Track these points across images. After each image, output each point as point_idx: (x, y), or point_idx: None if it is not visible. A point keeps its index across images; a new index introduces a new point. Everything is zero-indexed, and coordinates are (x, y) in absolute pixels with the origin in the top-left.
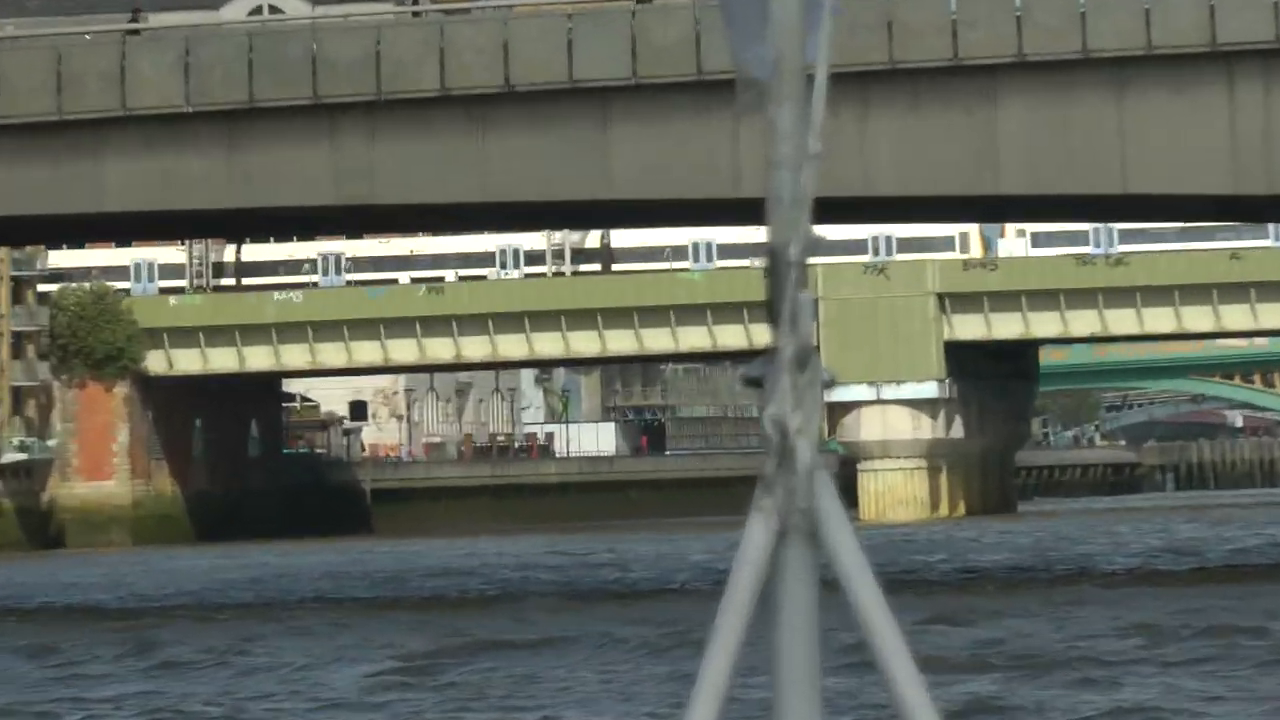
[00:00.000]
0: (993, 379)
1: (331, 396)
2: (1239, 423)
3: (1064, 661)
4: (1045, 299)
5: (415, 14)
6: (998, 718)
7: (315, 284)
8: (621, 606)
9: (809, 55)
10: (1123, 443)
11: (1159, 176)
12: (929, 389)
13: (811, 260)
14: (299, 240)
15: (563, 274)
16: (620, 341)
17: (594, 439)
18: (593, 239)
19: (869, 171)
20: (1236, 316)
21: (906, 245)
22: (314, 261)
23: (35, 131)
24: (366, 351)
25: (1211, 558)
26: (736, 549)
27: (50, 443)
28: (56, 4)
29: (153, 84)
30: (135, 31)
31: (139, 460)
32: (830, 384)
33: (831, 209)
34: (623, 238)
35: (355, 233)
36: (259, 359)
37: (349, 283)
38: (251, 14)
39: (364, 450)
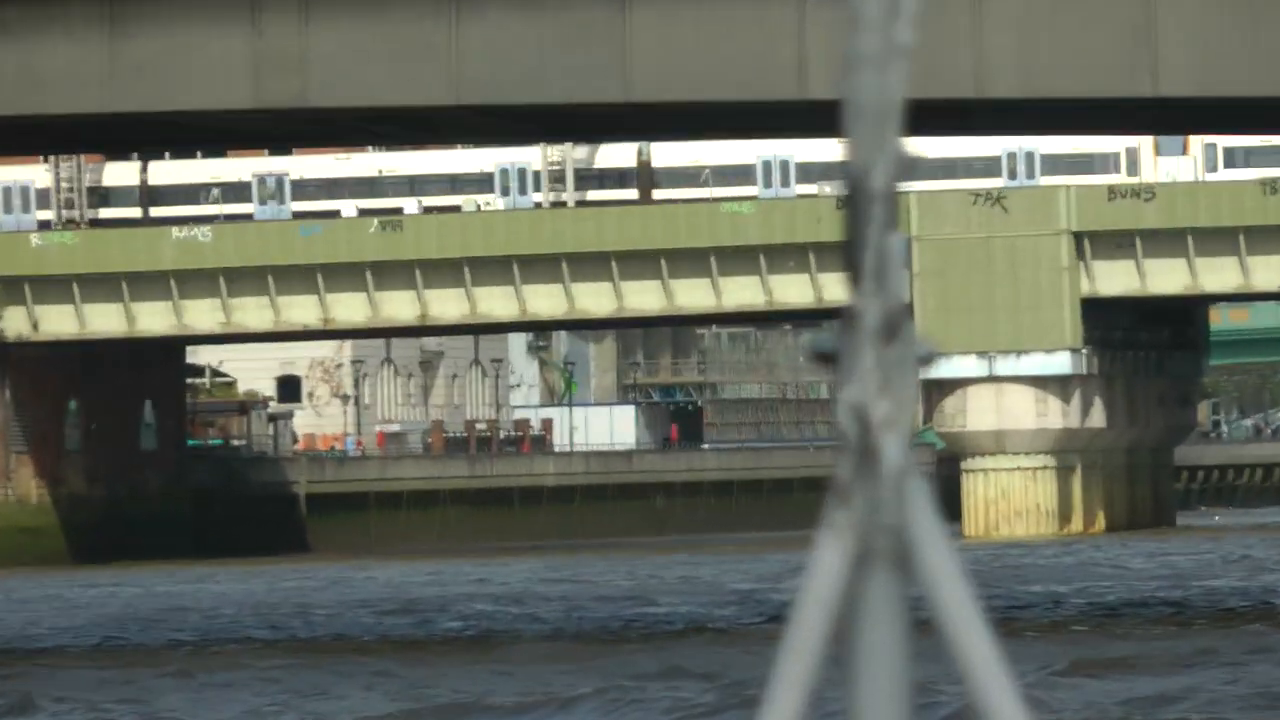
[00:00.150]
0: (1147, 349)
1: (253, 370)
2: None
3: None
4: (1220, 240)
5: None
6: None
7: (250, 216)
8: (643, 653)
9: None
10: None
11: None
12: (1060, 362)
13: (904, 187)
14: (228, 156)
15: (564, 204)
16: (643, 297)
17: (607, 428)
18: (610, 156)
19: (983, 66)
20: None
21: (1051, 165)
22: (242, 185)
23: None
24: (299, 309)
25: None
26: (801, 577)
27: None
28: None
29: None
30: None
31: None
32: (929, 360)
33: (932, 117)
34: (664, 155)
35: (284, 146)
36: (154, 319)
37: (296, 215)
38: None
39: (296, 442)
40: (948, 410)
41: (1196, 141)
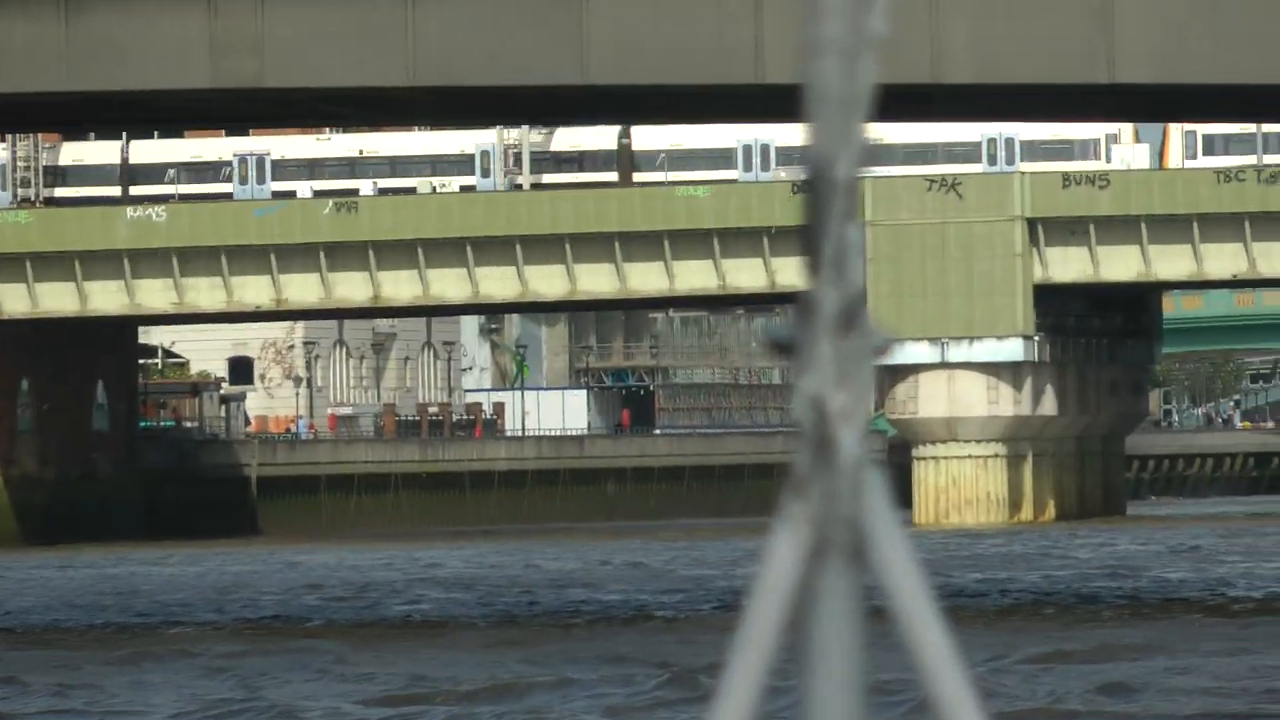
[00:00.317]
0: (1099, 336)
1: (205, 350)
2: None
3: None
4: (1174, 228)
5: None
6: None
7: (229, 196)
8: (592, 639)
9: None
10: (1271, 425)
11: None
12: (1012, 349)
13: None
14: (207, 136)
15: (520, 186)
16: (595, 279)
17: (559, 412)
18: (569, 138)
19: (939, 51)
20: None
21: (1030, 151)
22: (219, 166)
23: None
24: (252, 289)
25: None
26: (753, 563)
27: None
28: None
29: None
30: None
31: None
32: (886, 350)
33: (888, 103)
34: (644, 138)
35: (239, 126)
36: (106, 298)
37: (275, 195)
38: None
39: (249, 424)
40: (899, 397)
41: (1176, 129)
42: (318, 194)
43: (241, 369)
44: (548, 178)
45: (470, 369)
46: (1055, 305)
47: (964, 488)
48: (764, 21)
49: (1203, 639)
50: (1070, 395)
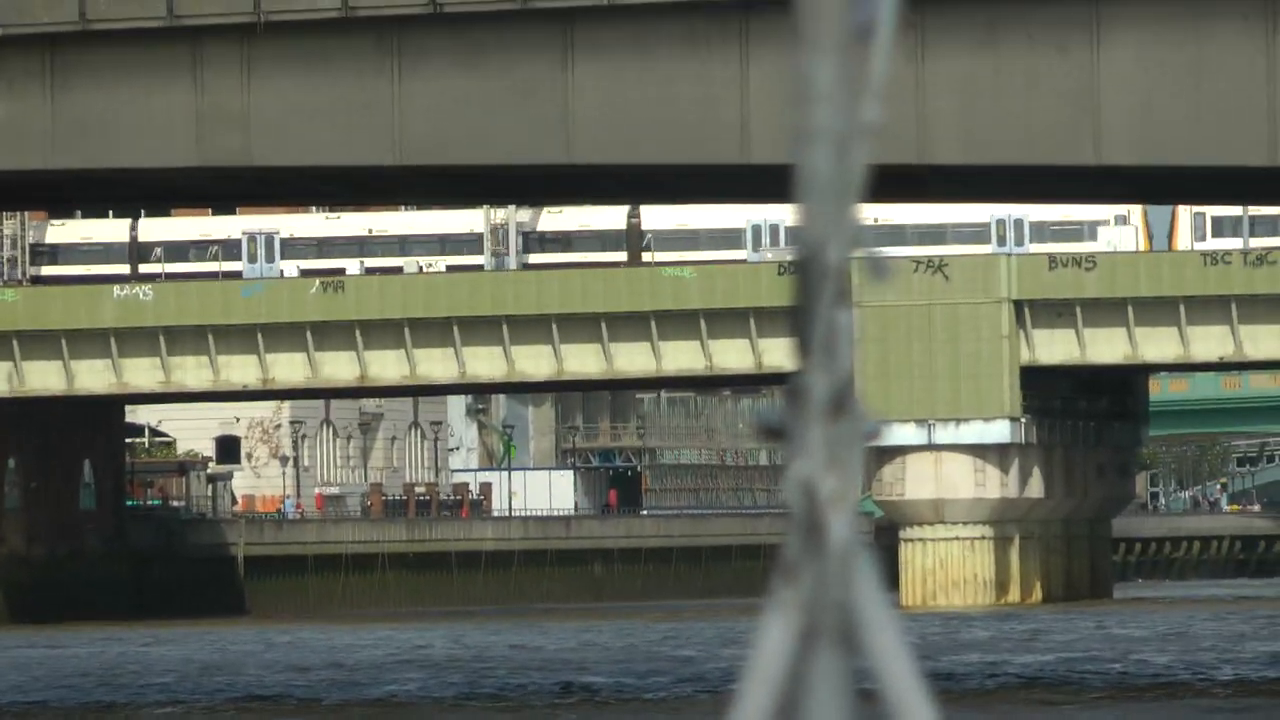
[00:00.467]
0: (1086, 419)
1: (192, 430)
2: None
3: None
4: (1160, 310)
5: None
6: None
7: (239, 274)
8: None
9: None
10: (1257, 508)
11: None
12: (999, 431)
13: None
14: (213, 214)
15: (490, 269)
16: (582, 360)
17: (545, 492)
18: (578, 218)
19: (925, 132)
20: None
21: (1039, 233)
22: (224, 245)
23: None
24: (239, 369)
25: None
26: (742, 645)
27: None
28: None
29: None
30: None
31: None
32: (875, 434)
33: (874, 183)
34: (654, 218)
35: (226, 205)
36: (93, 377)
37: (285, 274)
38: None
39: (236, 504)
40: (886, 478)
41: (1185, 211)
42: (322, 272)
43: (228, 448)
44: (536, 258)
45: (457, 449)
46: (1042, 387)
47: (951, 570)
48: (750, 101)
49: None
50: (1057, 477)
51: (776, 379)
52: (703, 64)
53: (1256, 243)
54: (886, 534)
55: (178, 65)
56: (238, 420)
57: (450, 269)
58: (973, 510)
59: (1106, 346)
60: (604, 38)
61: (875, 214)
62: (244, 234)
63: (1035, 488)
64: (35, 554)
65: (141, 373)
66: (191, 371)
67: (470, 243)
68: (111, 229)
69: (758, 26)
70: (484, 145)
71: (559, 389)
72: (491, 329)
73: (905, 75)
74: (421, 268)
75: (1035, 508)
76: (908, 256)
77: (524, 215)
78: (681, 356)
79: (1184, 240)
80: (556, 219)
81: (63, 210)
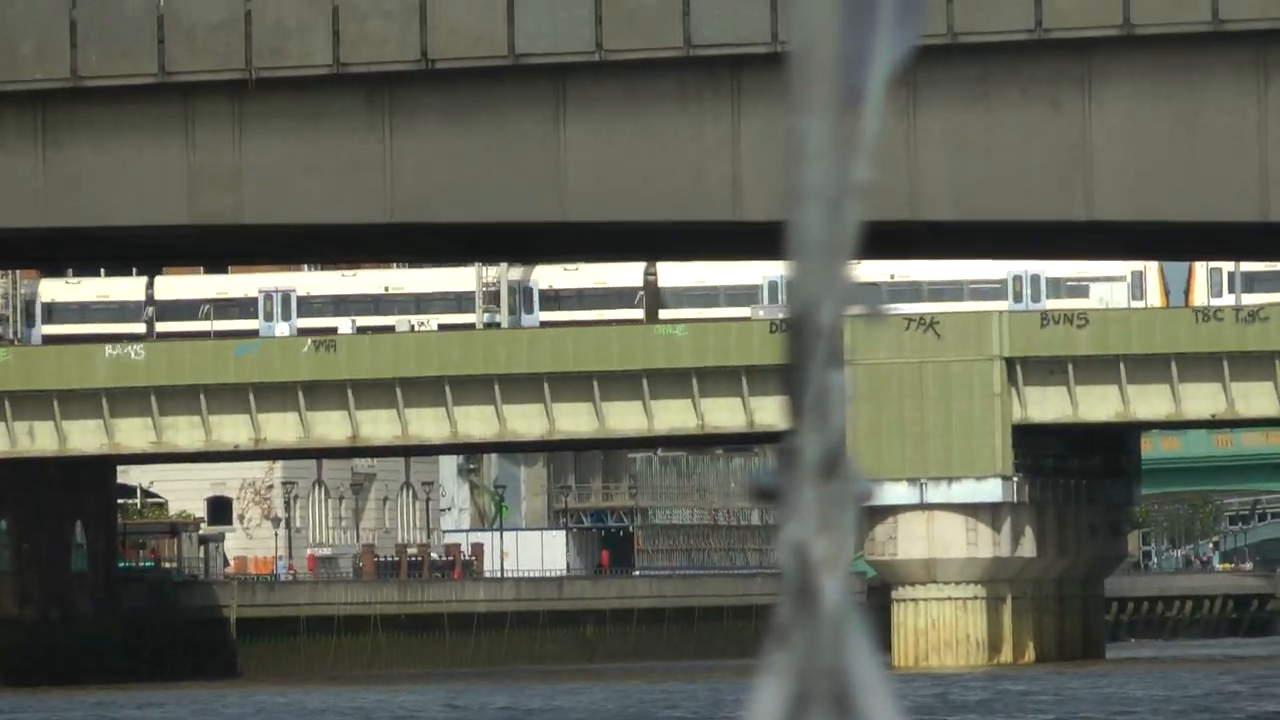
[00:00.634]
0: (1078, 477)
1: (184, 491)
2: None
3: None
4: (1152, 368)
5: None
6: None
7: (256, 332)
8: None
9: (853, 44)
10: (1250, 566)
11: None
12: (991, 490)
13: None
14: (230, 272)
15: (497, 325)
16: (574, 419)
17: (538, 553)
18: (569, 278)
19: (916, 188)
20: None
21: (1055, 289)
22: (229, 304)
23: None
24: (230, 429)
25: None
26: (736, 706)
27: None
28: None
29: None
30: None
31: None
32: (868, 496)
33: (866, 240)
34: (670, 275)
35: (217, 264)
36: (85, 438)
37: (301, 332)
38: None
39: (228, 565)
40: (878, 538)
41: (1201, 267)
42: (360, 330)
43: (220, 509)
44: (548, 315)
45: (449, 509)
46: (1034, 445)
47: (943, 630)
48: (742, 159)
49: None
50: (1049, 536)
51: (769, 438)
52: (695, 121)
53: (1258, 298)
54: (879, 593)
55: (169, 123)
56: (229, 481)
57: (443, 328)
58: (965, 570)
59: (1099, 404)
60: (596, 94)
61: (891, 270)
62: (260, 292)
63: (1028, 547)
64: (27, 616)
65: (133, 433)
66: (183, 432)
67: (486, 300)
68: (127, 287)
69: (749, 83)
70: (476, 202)
71: (551, 449)
72: (483, 388)
73: (897, 130)
74: (413, 326)
75: (1028, 567)
76: (900, 314)
77: (538, 273)
78: (673, 415)
79: (1200, 296)
80: (572, 276)
81: (55, 268)
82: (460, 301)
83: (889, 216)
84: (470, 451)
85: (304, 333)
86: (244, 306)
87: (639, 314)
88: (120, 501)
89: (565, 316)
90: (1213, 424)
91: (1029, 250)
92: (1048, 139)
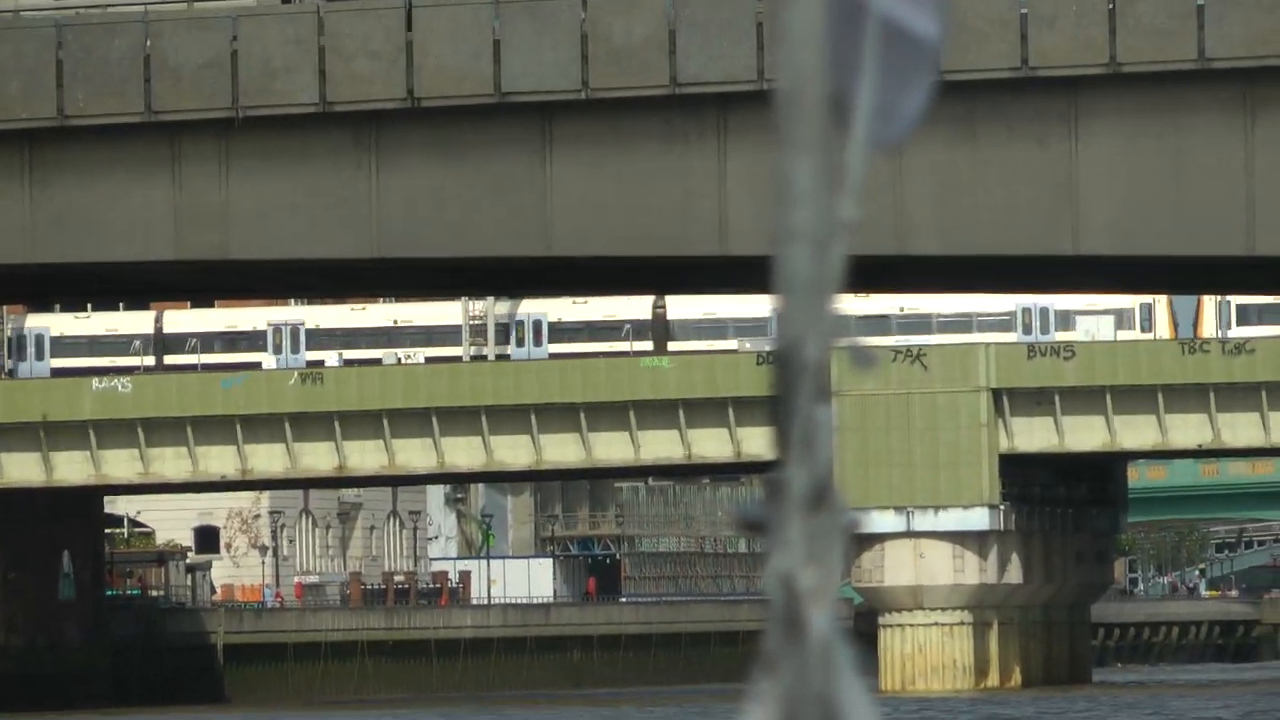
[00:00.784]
0: (1064, 505)
1: (171, 520)
2: None
3: None
4: (1138, 398)
5: (286, 0)
6: None
7: (257, 365)
8: None
9: (841, 81)
10: (1235, 593)
11: None
12: (977, 518)
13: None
14: (235, 305)
15: (483, 358)
16: (561, 449)
17: (524, 580)
18: (578, 311)
19: (903, 223)
20: None
21: (1064, 321)
22: (237, 337)
23: None
24: (217, 460)
25: None
26: None
27: None
28: None
29: None
30: None
31: None
32: (855, 527)
33: (852, 274)
34: (680, 307)
35: (205, 297)
36: (72, 469)
37: (310, 364)
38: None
39: (215, 593)
40: (865, 565)
41: (1210, 300)
42: (348, 362)
43: (207, 538)
44: (557, 348)
45: (436, 538)
46: (1021, 474)
47: (930, 655)
48: (727, 195)
49: None
50: (1036, 564)
51: (755, 467)
52: (680, 158)
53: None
54: (865, 620)
55: (156, 160)
56: (216, 511)
57: (430, 360)
58: (951, 596)
59: (1085, 434)
60: (582, 131)
61: (901, 304)
62: (269, 325)
63: (1014, 574)
64: (14, 644)
65: (120, 464)
66: (170, 462)
67: (495, 333)
68: (135, 320)
69: (735, 121)
70: (462, 238)
71: (538, 479)
72: (470, 419)
73: (883, 166)
74: (400, 359)
75: (1014, 593)
76: (886, 346)
77: (546, 305)
78: (660, 446)
79: (1208, 328)
80: (581, 309)
81: (42, 304)
82: (475, 332)
83: (876, 251)
84: (457, 481)
85: (312, 365)
86: (252, 340)
87: (648, 346)
88: (107, 531)
89: (574, 349)
90: (1199, 454)
91: (1015, 284)
92: (1035, 175)
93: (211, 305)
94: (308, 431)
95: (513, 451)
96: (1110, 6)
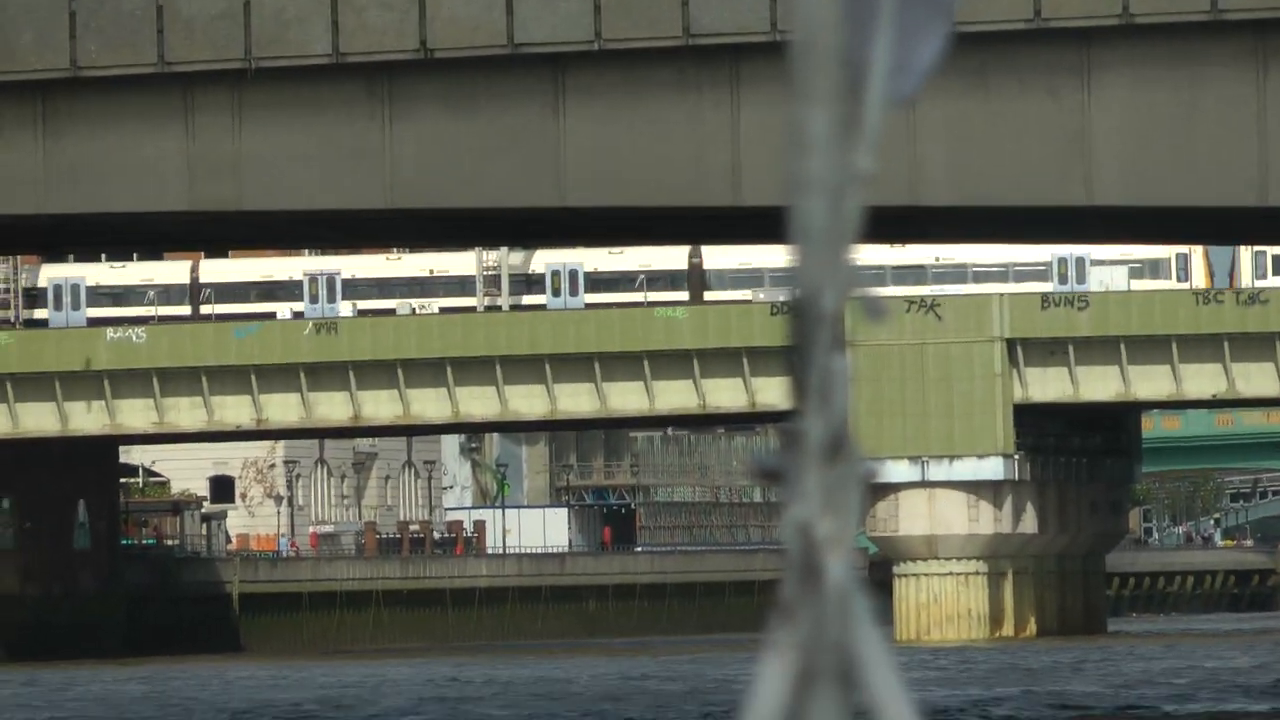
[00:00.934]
0: (1079, 456)
1: (186, 470)
2: None
3: None
4: (1152, 348)
5: None
6: None
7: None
8: None
9: (856, 32)
10: (1250, 543)
11: None
12: (992, 468)
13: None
14: (272, 253)
15: (498, 308)
16: (575, 399)
17: (540, 530)
18: (614, 261)
19: (916, 173)
20: None
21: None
22: (274, 287)
23: None
24: (232, 409)
25: None
26: (740, 684)
27: None
28: None
29: None
30: None
31: None
32: (871, 477)
33: (865, 224)
34: (715, 257)
35: (218, 248)
36: (87, 418)
37: (361, 312)
38: None
39: (230, 542)
40: (880, 515)
41: (1246, 250)
42: (380, 313)
43: (223, 488)
44: (592, 298)
45: (451, 487)
46: (1035, 425)
47: (945, 605)
48: (741, 145)
49: None
50: (1050, 513)
51: (770, 417)
52: (694, 107)
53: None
54: (880, 569)
55: (169, 111)
56: (231, 460)
57: (444, 310)
58: (966, 546)
59: (1099, 384)
60: (595, 82)
61: (937, 253)
62: (305, 275)
63: (1029, 523)
64: (30, 594)
65: (135, 414)
66: (185, 412)
67: (533, 283)
68: (172, 270)
69: (748, 70)
70: (475, 188)
71: (552, 428)
72: (485, 369)
73: (897, 118)
74: (414, 309)
75: (1029, 543)
76: (900, 296)
77: (585, 255)
78: (675, 396)
79: (1245, 279)
80: (617, 259)
81: (56, 254)
82: (523, 283)
83: (890, 202)
84: (472, 431)
85: (363, 314)
86: (289, 289)
87: (683, 296)
88: (122, 480)
89: (608, 299)
90: (1213, 404)
91: (1027, 235)
92: (1047, 127)
93: (226, 254)
94: (323, 381)
95: (527, 401)
96: None
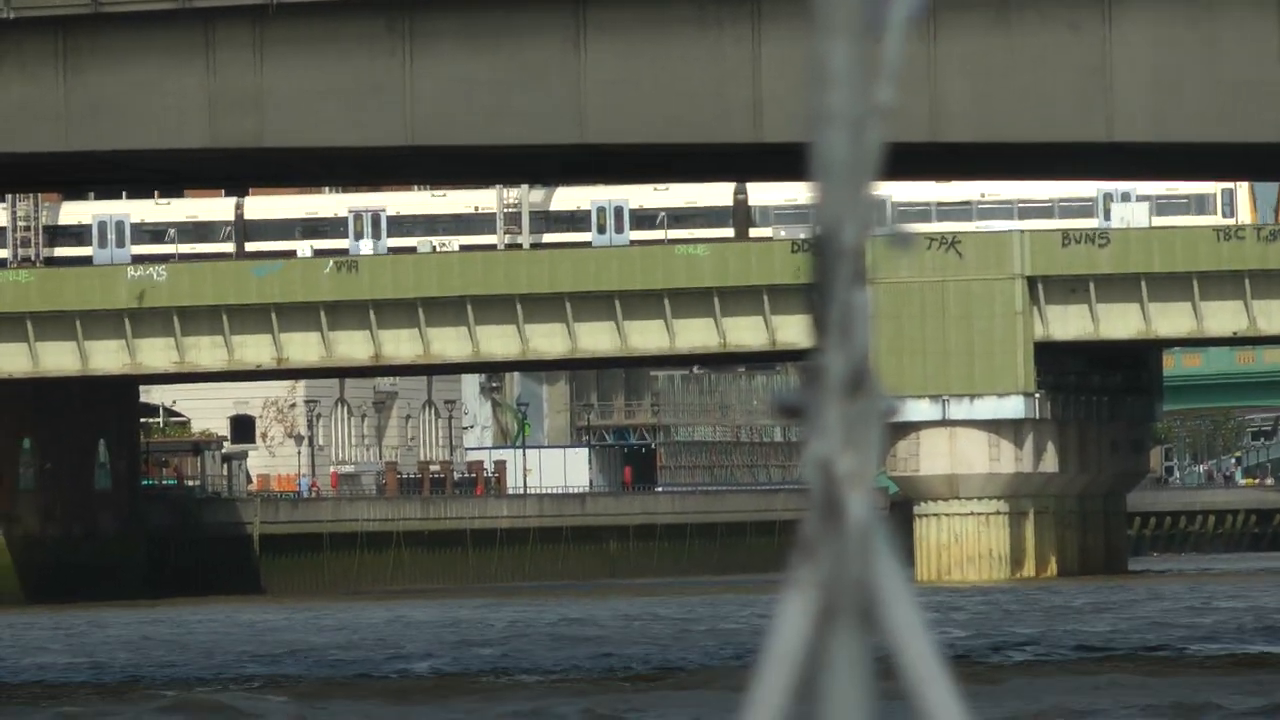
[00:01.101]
0: (1100, 394)
1: (207, 409)
2: None
3: None
4: (1173, 286)
5: None
6: None
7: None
8: (596, 694)
9: None
10: (1271, 481)
11: None
12: (1013, 407)
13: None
14: (313, 192)
15: (518, 246)
16: (596, 338)
17: (560, 470)
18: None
19: (937, 110)
20: None
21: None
22: (319, 224)
23: None
24: (253, 349)
25: None
26: (762, 622)
27: None
28: None
29: None
30: None
31: None
32: (892, 413)
33: (886, 161)
34: (761, 194)
35: (238, 185)
36: (107, 358)
37: (392, 251)
38: None
39: (251, 482)
40: (901, 454)
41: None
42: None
43: (243, 428)
44: (638, 235)
45: (472, 427)
46: (1056, 363)
47: (966, 544)
48: (762, 81)
49: (1217, 691)
50: (1071, 452)
51: (791, 355)
52: (715, 43)
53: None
54: (901, 509)
55: (190, 48)
56: (252, 400)
57: (464, 248)
58: (987, 485)
59: (1120, 322)
60: (616, 18)
61: (983, 189)
62: (350, 211)
63: (1050, 463)
64: (50, 534)
65: (156, 353)
66: (206, 351)
67: (577, 220)
68: (217, 207)
69: (769, 6)
70: (496, 126)
71: (573, 367)
72: (505, 308)
73: (918, 54)
74: (435, 247)
75: (1050, 483)
76: (926, 233)
77: (628, 192)
78: (695, 334)
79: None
80: (662, 196)
81: (76, 192)
82: (549, 220)
83: (910, 138)
84: (492, 370)
85: (394, 252)
86: (334, 226)
87: (731, 232)
88: (143, 420)
89: (656, 236)
90: (1234, 341)
91: (1049, 171)
92: (1067, 61)
93: (247, 193)
94: (343, 320)
95: (548, 340)
96: None
